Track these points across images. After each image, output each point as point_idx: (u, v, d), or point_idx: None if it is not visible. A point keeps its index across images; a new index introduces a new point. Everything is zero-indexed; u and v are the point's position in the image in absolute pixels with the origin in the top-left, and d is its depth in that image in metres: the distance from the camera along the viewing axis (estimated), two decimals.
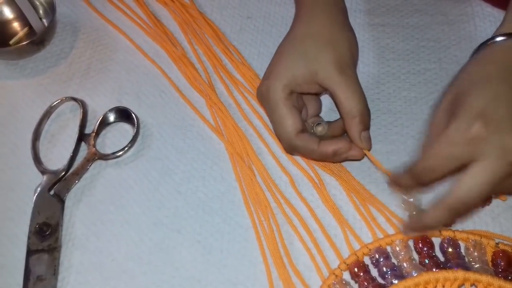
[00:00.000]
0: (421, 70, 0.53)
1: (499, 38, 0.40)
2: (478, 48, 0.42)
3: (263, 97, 0.45)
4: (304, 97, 0.47)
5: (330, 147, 0.43)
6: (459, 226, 0.44)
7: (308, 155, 0.45)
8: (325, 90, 0.44)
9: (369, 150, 0.44)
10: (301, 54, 0.43)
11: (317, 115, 0.48)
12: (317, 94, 0.47)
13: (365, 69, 0.53)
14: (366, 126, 0.43)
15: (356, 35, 0.55)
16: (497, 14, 0.55)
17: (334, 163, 0.47)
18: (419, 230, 0.42)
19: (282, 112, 0.43)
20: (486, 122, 0.35)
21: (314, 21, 0.45)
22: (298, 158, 0.48)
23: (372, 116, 0.49)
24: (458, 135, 0.36)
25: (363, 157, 0.45)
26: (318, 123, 0.46)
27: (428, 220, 0.39)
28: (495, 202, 0.44)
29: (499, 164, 0.35)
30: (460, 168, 0.37)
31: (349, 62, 0.43)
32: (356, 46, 0.45)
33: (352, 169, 0.47)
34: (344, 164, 0.48)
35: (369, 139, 0.44)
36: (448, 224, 0.42)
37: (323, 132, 0.46)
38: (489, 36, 0.42)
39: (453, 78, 0.41)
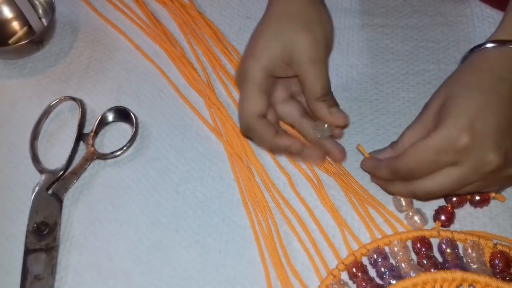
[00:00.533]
0: (420, 71, 0.53)
1: (489, 45, 0.41)
2: (469, 52, 0.42)
3: (241, 77, 0.44)
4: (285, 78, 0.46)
5: (283, 141, 0.44)
6: (457, 226, 0.44)
7: (261, 142, 0.45)
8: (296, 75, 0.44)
9: (346, 124, 0.44)
10: (278, 34, 0.43)
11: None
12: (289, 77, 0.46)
13: (364, 69, 0.53)
14: (331, 103, 0.43)
15: (355, 35, 0.56)
16: (496, 16, 0.55)
17: (289, 158, 0.48)
18: (376, 182, 0.45)
19: (252, 92, 0.43)
20: (474, 135, 0.37)
21: (291, 2, 0.44)
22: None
23: (371, 117, 0.50)
24: (446, 144, 0.37)
25: (323, 160, 0.46)
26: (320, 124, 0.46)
27: (391, 190, 0.43)
28: (494, 203, 0.44)
29: (472, 172, 0.38)
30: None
31: (322, 46, 0.43)
32: (331, 27, 0.45)
33: (351, 170, 0.47)
34: (343, 164, 0.48)
35: (340, 112, 0.43)
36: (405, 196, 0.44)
37: (325, 134, 0.45)
38: (488, 38, 0.42)
39: (444, 80, 0.42)
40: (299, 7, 0.44)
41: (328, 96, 0.43)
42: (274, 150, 0.46)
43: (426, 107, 0.42)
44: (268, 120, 0.44)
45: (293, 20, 0.43)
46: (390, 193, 0.45)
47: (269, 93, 0.44)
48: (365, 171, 0.46)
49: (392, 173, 0.41)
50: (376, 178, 0.45)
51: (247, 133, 0.45)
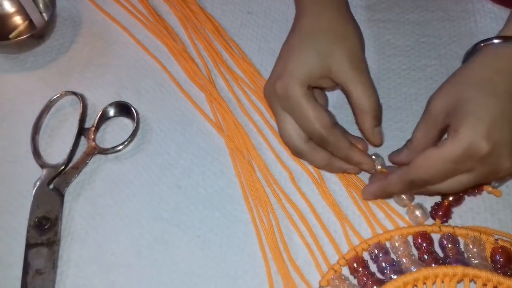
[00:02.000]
0: (422, 66, 0.53)
1: (496, 40, 0.40)
2: (473, 47, 0.41)
3: (280, 98, 0.43)
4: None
5: (359, 156, 0.43)
6: (458, 222, 0.44)
7: (337, 153, 0.44)
8: (337, 85, 0.44)
9: (380, 145, 0.45)
10: (314, 50, 0.42)
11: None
12: (322, 89, 0.47)
13: None
14: (378, 122, 0.43)
15: None
16: (498, 11, 0.55)
17: (332, 172, 0.47)
18: (380, 197, 0.44)
19: (308, 108, 0.41)
20: (491, 146, 0.36)
21: (322, 15, 0.44)
22: None
23: None
24: (464, 154, 0.37)
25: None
26: (376, 155, 0.45)
27: (391, 189, 0.42)
28: (494, 198, 0.44)
29: (485, 176, 0.38)
30: None
31: (360, 56, 0.43)
32: (363, 39, 0.45)
33: None
34: None
35: (381, 134, 0.44)
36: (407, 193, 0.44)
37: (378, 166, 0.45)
38: (489, 32, 0.42)
39: (452, 76, 0.41)
40: (331, 21, 0.43)
41: (377, 112, 0.43)
42: (342, 163, 0.44)
43: (433, 103, 0.41)
44: (341, 130, 0.44)
45: (327, 34, 0.43)
46: (391, 195, 0.44)
47: (320, 103, 0.43)
48: (373, 197, 0.44)
49: (408, 186, 0.40)
50: (387, 196, 0.44)
51: (322, 144, 0.43)
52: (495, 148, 0.36)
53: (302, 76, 0.42)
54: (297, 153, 0.44)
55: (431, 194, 0.42)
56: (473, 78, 0.39)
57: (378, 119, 0.43)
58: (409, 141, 0.43)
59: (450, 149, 0.37)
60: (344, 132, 0.46)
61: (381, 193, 0.43)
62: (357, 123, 0.44)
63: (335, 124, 0.43)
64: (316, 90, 0.46)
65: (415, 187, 0.41)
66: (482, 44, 0.41)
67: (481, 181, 0.39)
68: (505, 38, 0.40)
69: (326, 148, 0.43)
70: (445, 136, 0.41)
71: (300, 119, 0.42)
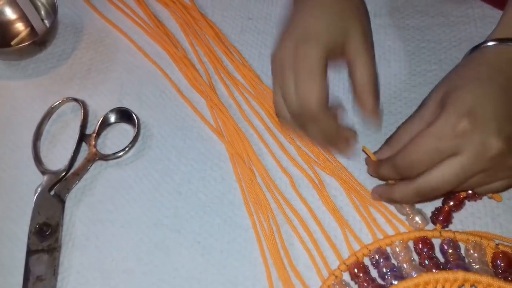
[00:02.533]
0: (422, 71, 0.53)
1: (491, 43, 0.41)
2: (471, 51, 0.43)
3: (298, 61, 0.40)
4: None
5: (346, 132, 0.44)
6: (459, 227, 0.44)
7: (326, 131, 0.43)
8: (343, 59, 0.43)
9: (379, 122, 0.46)
10: (333, 19, 0.41)
11: None
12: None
13: None
14: (376, 96, 0.43)
15: None
16: (498, 16, 0.54)
17: (322, 147, 0.48)
18: (385, 200, 0.44)
19: (314, 77, 0.40)
20: (473, 120, 0.37)
21: None
22: (299, 159, 0.48)
23: None
24: (446, 129, 0.37)
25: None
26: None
27: (396, 196, 0.42)
28: (495, 203, 0.44)
29: (474, 159, 0.37)
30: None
31: (370, 31, 0.44)
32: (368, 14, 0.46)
33: (353, 170, 0.47)
34: (345, 164, 0.48)
35: (379, 111, 0.44)
36: (413, 202, 0.44)
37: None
38: (487, 36, 0.42)
39: (444, 77, 0.43)
40: None
41: (376, 89, 0.43)
42: (330, 141, 0.44)
43: (424, 102, 0.42)
44: (331, 109, 0.43)
45: (349, 5, 0.43)
46: (395, 201, 0.44)
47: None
48: (370, 173, 0.46)
49: (394, 168, 0.41)
50: (380, 178, 0.45)
51: (307, 123, 0.42)
52: (477, 124, 0.37)
53: (326, 43, 0.41)
54: (308, 119, 0.42)
55: (426, 192, 0.40)
56: (460, 72, 0.41)
57: (377, 94, 0.43)
58: (389, 138, 0.44)
59: (432, 126, 0.38)
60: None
61: (374, 173, 0.44)
62: (357, 99, 0.44)
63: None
64: None
65: (402, 171, 0.40)
66: (476, 49, 0.43)
67: (472, 165, 0.37)
68: (496, 40, 0.41)
69: (314, 125, 0.42)
70: None
71: (301, 88, 0.41)
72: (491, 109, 0.37)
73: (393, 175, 0.42)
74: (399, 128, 0.43)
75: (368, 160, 0.46)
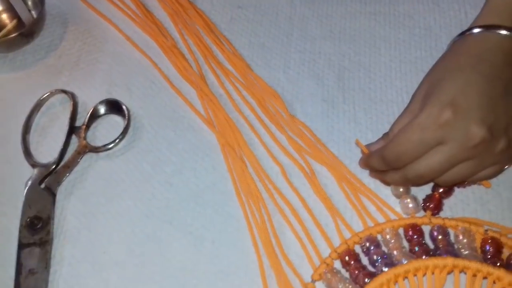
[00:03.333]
0: (413, 59, 0.53)
1: (475, 30, 0.42)
2: (455, 39, 0.44)
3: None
4: None
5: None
6: (448, 213, 0.44)
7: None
8: None
9: None
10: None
11: None
12: None
13: (356, 58, 0.53)
14: None
15: (347, 23, 0.56)
16: None
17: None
18: (375, 177, 0.46)
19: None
20: (456, 110, 0.37)
21: None
22: (290, 148, 0.48)
23: (363, 106, 0.50)
24: (430, 121, 0.38)
25: None
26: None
27: (387, 179, 0.44)
28: (484, 189, 0.45)
29: (459, 148, 0.38)
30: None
31: None
32: None
33: (344, 158, 0.47)
34: (336, 153, 0.48)
35: None
36: (403, 186, 0.44)
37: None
38: (470, 24, 0.43)
39: (430, 68, 0.43)
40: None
41: None
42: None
43: (413, 96, 0.43)
44: None
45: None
46: (387, 183, 0.45)
47: None
48: (361, 167, 0.47)
49: (382, 160, 0.41)
50: (370, 169, 0.46)
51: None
52: (460, 113, 0.37)
53: None
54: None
55: (414, 179, 0.40)
56: (442, 63, 0.42)
57: None
58: (385, 133, 0.45)
59: (417, 119, 0.39)
60: None
61: (365, 164, 0.46)
62: None
63: None
64: None
65: (389, 162, 0.41)
66: (460, 36, 0.43)
67: (457, 153, 0.38)
68: (479, 28, 0.42)
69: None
70: None
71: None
72: (473, 98, 0.38)
73: (382, 166, 0.42)
74: (393, 124, 0.44)
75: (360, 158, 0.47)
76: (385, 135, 0.45)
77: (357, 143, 0.46)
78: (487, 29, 0.41)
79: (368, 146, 0.46)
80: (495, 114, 0.38)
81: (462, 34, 0.43)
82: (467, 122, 0.37)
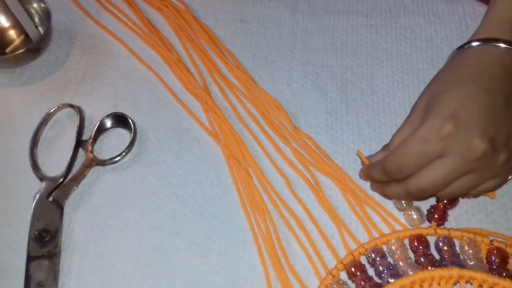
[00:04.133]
0: (415, 70, 0.53)
1: (474, 43, 0.42)
2: (454, 52, 0.44)
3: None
4: None
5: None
6: (453, 224, 0.44)
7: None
8: None
9: None
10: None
11: None
12: None
13: (358, 70, 0.54)
14: None
15: (349, 36, 0.57)
16: None
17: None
18: (365, 178, 0.47)
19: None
20: (457, 123, 0.38)
21: None
22: (294, 160, 0.49)
23: (366, 117, 0.51)
24: (431, 133, 0.38)
25: None
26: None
27: (388, 193, 0.44)
28: (489, 200, 0.45)
29: (460, 161, 0.38)
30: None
31: None
32: None
33: (348, 170, 0.48)
34: (340, 164, 0.48)
35: None
36: (404, 200, 0.45)
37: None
38: (470, 37, 0.43)
39: (430, 81, 0.44)
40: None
41: None
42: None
43: (413, 108, 0.43)
44: None
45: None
46: (388, 197, 0.45)
47: None
48: (362, 178, 0.47)
49: (383, 171, 0.42)
50: (371, 180, 0.46)
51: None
52: (461, 126, 0.37)
53: None
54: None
55: (416, 193, 0.41)
56: (442, 76, 0.42)
57: None
58: (386, 145, 0.45)
59: (418, 131, 0.39)
60: None
61: (366, 176, 0.46)
62: None
63: None
64: None
65: (390, 174, 0.41)
66: (458, 50, 0.44)
67: (459, 167, 0.38)
68: (478, 41, 0.42)
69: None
70: None
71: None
72: (474, 111, 0.38)
73: (383, 178, 0.43)
74: (393, 135, 0.44)
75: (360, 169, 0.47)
76: (386, 146, 0.45)
77: (358, 154, 0.47)
78: (486, 42, 0.42)
79: (368, 157, 0.46)
80: (496, 126, 0.38)
81: (461, 47, 0.44)
82: (469, 135, 0.37)
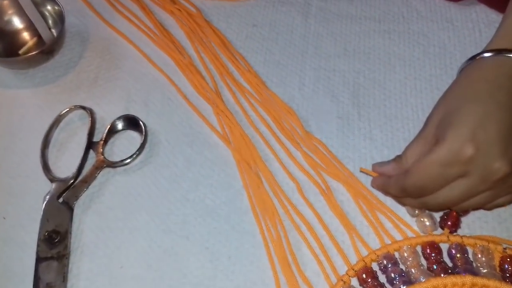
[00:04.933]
0: (428, 76, 0.53)
1: (487, 54, 0.41)
2: (466, 62, 0.43)
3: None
4: None
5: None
6: (466, 231, 0.44)
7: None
8: None
9: None
10: None
11: None
12: None
13: (371, 75, 0.54)
14: None
15: (362, 41, 0.56)
16: None
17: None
18: (381, 191, 0.46)
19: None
20: (477, 145, 0.37)
21: None
22: (305, 165, 0.49)
23: (379, 123, 0.50)
24: (451, 157, 0.37)
25: None
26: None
27: (404, 202, 0.44)
28: (502, 208, 0.44)
29: (479, 181, 0.38)
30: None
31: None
32: None
33: (360, 175, 0.47)
34: (352, 169, 0.48)
35: None
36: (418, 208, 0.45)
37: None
38: (484, 47, 0.42)
39: (443, 94, 0.43)
40: None
41: None
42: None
43: (426, 122, 0.42)
44: None
45: None
46: (402, 204, 0.45)
47: None
48: (376, 189, 0.46)
49: (402, 191, 0.42)
50: (384, 193, 0.46)
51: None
52: (481, 148, 0.37)
53: None
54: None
55: (433, 207, 0.42)
56: (457, 90, 0.41)
57: None
58: (398, 156, 0.44)
59: (437, 153, 0.38)
60: None
61: (382, 190, 0.45)
62: None
63: None
64: None
65: (409, 194, 0.41)
66: (472, 60, 0.42)
67: (478, 186, 0.38)
68: (493, 51, 0.41)
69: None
70: None
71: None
72: (494, 131, 0.37)
73: (401, 195, 0.42)
74: (406, 148, 0.43)
75: (374, 179, 0.46)
76: (398, 158, 0.44)
77: (362, 171, 0.46)
78: (500, 53, 0.41)
79: (379, 166, 0.45)
80: None
81: (474, 57, 0.42)
82: (489, 157, 0.37)
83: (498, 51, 0.41)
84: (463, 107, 0.39)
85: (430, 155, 0.38)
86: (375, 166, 0.46)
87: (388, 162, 0.45)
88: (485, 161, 0.37)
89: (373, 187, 0.46)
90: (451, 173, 0.38)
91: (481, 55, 0.42)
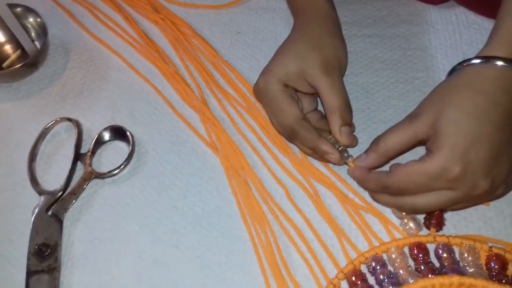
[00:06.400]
0: (409, 79, 0.54)
1: (477, 60, 0.40)
2: (455, 67, 0.42)
3: (261, 92, 0.48)
4: (300, 95, 0.49)
5: (325, 146, 0.45)
6: (452, 231, 0.44)
7: (306, 143, 0.46)
8: (313, 89, 0.47)
9: (351, 145, 0.47)
10: (293, 54, 0.47)
11: (312, 110, 0.50)
12: (312, 94, 0.49)
13: (354, 79, 0.54)
14: (345, 122, 0.46)
15: None
16: (481, 22, 0.57)
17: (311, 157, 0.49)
18: (358, 183, 0.46)
19: (282, 102, 0.47)
20: (466, 167, 0.38)
21: (306, 28, 0.49)
22: (293, 170, 0.49)
23: (363, 126, 0.51)
24: (440, 174, 0.39)
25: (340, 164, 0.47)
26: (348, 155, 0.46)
27: (378, 199, 0.44)
28: (486, 207, 0.45)
29: (462, 195, 0.39)
30: None
31: (334, 64, 0.47)
32: (343, 52, 0.49)
33: (347, 177, 0.48)
34: (339, 172, 0.48)
35: (349, 134, 0.46)
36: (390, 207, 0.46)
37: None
38: (474, 43, 0.43)
39: (436, 89, 0.42)
40: (314, 33, 0.48)
41: (343, 113, 0.45)
42: (314, 152, 0.47)
43: (416, 114, 0.41)
44: (310, 124, 0.47)
45: (307, 42, 0.48)
46: (376, 201, 0.45)
47: (296, 100, 0.48)
48: (353, 179, 0.46)
49: (382, 188, 0.42)
50: (363, 187, 0.46)
51: (292, 140, 0.48)
52: (469, 169, 0.38)
53: (279, 75, 0.47)
54: (290, 134, 0.47)
55: (409, 208, 0.42)
56: (455, 97, 0.40)
57: (343, 118, 0.45)
58: (375, 144, 0.43)
59: (428, 165, 0.39)
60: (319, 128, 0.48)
61: (360, 182, 0.45)
62: (328, 124, 0.46)
63: (304, 118, 0.47)
64: (304, 94, 0.49)
65: (389, 192, 0.42)
66: (464, 64, 0.41)
67: (459, 199, 0.40)
68: (486, 58, 0.40)
69: (296, 138, 0.47)
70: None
71: (275, 111, 0.47)
72: (484, 153, 0.38)
73: (379, 191, 0.43)
74: (386, 136, 0.43)
75: (352, 169, 0.45)
76: (375, 146, 0.43)
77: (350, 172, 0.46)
78: (487, 60, 0.40)
79: (358, 158, 0.45)
80: (499, 165, 0.39)
81: (469, 60, 0.41)
82: (475, 176, 0.38)
83: (487, 58, 0.40)
84: (459, 121, 0.39)
85: (420, 165, 0.39)
86: (357, 161, 0.45)
87: (367, 152, 0.44)
88: (471, 179, 0.38)
89: (349, 175, 0.46)
90: (436, 186, 0.39)
91: (475, 60, 0.41)
